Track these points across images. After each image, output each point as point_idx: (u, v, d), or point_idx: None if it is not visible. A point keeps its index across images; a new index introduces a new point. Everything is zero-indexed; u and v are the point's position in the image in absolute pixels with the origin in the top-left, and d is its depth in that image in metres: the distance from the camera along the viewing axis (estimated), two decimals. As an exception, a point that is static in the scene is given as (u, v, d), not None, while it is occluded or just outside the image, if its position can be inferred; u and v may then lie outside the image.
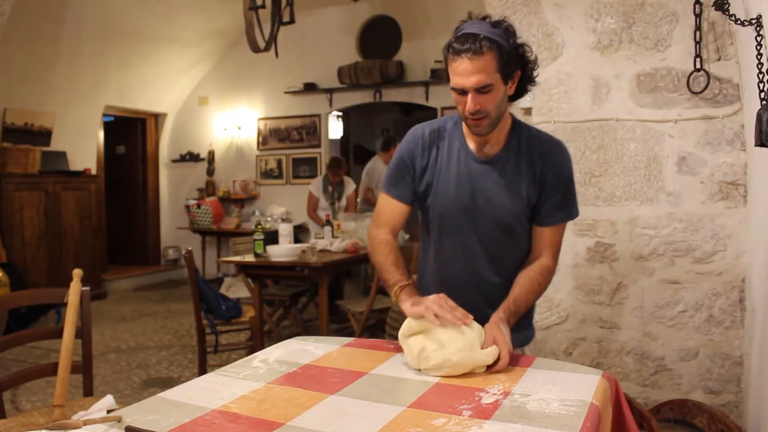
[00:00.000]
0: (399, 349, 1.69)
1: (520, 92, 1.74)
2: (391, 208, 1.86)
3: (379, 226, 1.87)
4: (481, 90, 1.59)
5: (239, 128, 8.36)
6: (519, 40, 1.66)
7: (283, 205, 8.05)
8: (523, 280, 1.73)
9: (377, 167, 6.51)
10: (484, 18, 1.64)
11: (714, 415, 2.53)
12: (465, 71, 1.59)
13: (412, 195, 1.85)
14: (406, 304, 1.63)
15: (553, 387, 1.41)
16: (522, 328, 1.86)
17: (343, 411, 1.31)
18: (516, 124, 1.78)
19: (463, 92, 1.62)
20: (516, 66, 1.65)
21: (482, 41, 1.56)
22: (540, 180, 1.73)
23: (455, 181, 1.77)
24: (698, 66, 2.67)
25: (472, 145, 1.77)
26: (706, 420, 2.54)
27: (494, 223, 1.76)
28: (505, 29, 1.62)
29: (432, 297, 1.61)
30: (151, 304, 7.05)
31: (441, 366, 1.50)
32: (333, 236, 5.16)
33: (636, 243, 2.86)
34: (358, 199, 6.56)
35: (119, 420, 1.24)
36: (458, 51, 1.58)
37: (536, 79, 1.76)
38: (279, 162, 8.20)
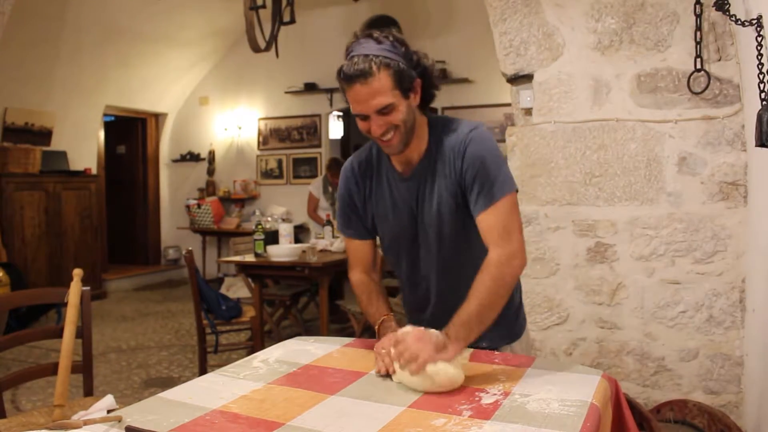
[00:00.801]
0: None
1: (427, 99, 1.68)
2: (354, 248, 1.86)
3: (351, 268, 1.88)
4: (382, 111, 1.54)
5: (240, 128, 8.36)
6: (411, 49, 1.60)
7: (283, 205, 8.05)
8: (473, 285, 1.57)
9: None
10: (369, 35, 1.56)
11: (714, 416, 2.53)
12: (361, 97, 1.52)
13: (365, 230, 1.82)
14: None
15: (553, 387, 1.41)
16: (505, 323, 1.76)
17: (343, 411, 1.31)
18: (433, 127, 1.70)
19: (365, 117, 1.56)
20: (413, 77, 1.58)
21: (371, 62, 1.50)
22: (459, 174, 1.63)
23: (390, 205, 1.74)
24: (699, 66, 2.67)
25: (397, 165, 1.72)
26: (706, 420, 2.54)
27: (436, 235, 1.70)
28: (391, 43, 1.55)
29: (383, 341, 1.58)
30: (151, 304, 7.05)
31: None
32: (333, 236, 5.16)
33: (636, 243, 2.86)
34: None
35: (119, 420, 1.24)
36: (350, 77, 1.51)
37: (438, 87, 1.70)
38: (279, 162, 8.20)
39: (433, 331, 1.51)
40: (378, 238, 1.87)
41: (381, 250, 1.92)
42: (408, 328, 1.56)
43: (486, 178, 1.59)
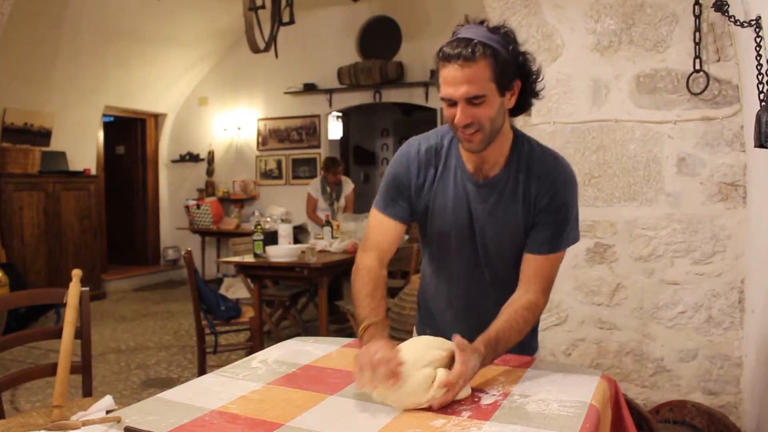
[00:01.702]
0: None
1: (522, 106, 1.58)
2: (383, 230, 1.69)
3: (366, 250, 1.69)
4: (472, 101, 1.44)
5: (239, 129, 8.36)
6: (521, 48, 1.51)
7: (282, 206, 8.05)
8: (508, 313, 1.52)
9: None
10: (482, 22, 1.49)
11: (713, 416, 2.53)
12: (454, 80, 1.43)
13: (408, 215, 1.70)
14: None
15: (552, 388, 1.41)
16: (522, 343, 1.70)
17: (342, 412, 1.31)
18: (518, 140, 1.62)
19: (453, 103, 1.46)
20: (514, 76, 1.49)
21: (475, 46, 1.41)
22: (535, 203, 1.57)
23: (452, 204, 1.64)
24: (698, 67, 2.67)
25: (469, 165, 1.62)
26: (705, 421, 2.54)
27: (493, 248, 1.64)
28: (503, 35, 1.47)
29: (367, 352, 1.37)
30: (150, 304, 7.05)
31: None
32: (332, 237, 5.16)
33: (635, 244, 2.86)
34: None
35: (118, 420, 1.24)
36: (448, 57, 1.43)
37: (540, 93, 1.59)
38: (279, 162, 8.20)
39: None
40: (419, 229, 1.76)
41: (421, 242, 1.81)
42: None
43: (562, 228, 1.58)
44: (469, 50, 1.41)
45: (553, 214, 1.56)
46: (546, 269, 1.59)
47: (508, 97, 1.51)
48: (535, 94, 1.58)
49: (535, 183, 1.57)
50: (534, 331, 1.83)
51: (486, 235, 1.63)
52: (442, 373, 1.33)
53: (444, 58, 1.44)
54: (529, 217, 1.59)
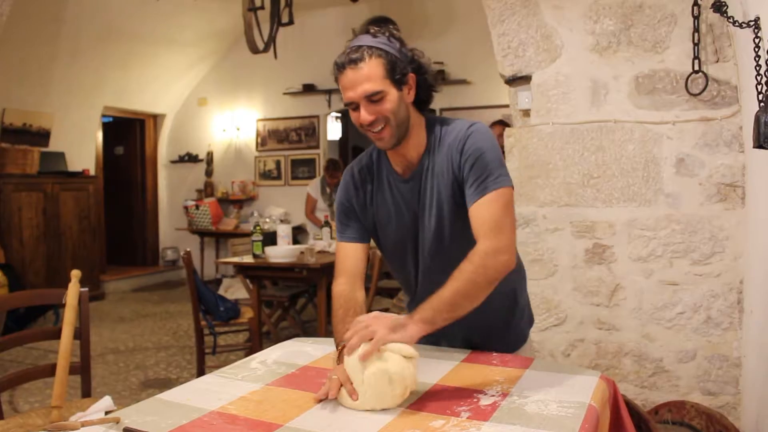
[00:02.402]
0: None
1: (424, 99, 1.67)
2: (344, 254, 1.77)
3: (336, 277, 1.75)
4: (371, 98, 1.53)
5: (238, 129, 8.36)
6: (408, 46, 1.62)
7: (281, 206, 8.05)
8: (454, 272, 1.51)
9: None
10: (367, 31, 1.60)
11: (712, 417, 2.53)
12: (351, 82, 1.53)
13: (363, 233, 1.78)
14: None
15: (551, 388, 1.41)
16: (495, 335, 1.80)
17: (341, 412, 1.32)
18: (431, 127, 1.69)
19: (356, 107, 1.56)
20: (406, 70, 1.58)
21: (363, 50, 1.53)
22: (458, 167, 1.60)
23: (393, 209, 1.72)
24: (696, 68, 2.67)
25: (398, 168, 1.71)
26: (704, 422, 2.54)
27: (440, 235, 1.67)
28: (388, 36, 1.58)
29: (338, 369, 1.43)
30: (149, 305, 7.05)
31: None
32: (331, 237, 5.16)
33: (634, 244, 2.86)
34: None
35: (117, 421, 1.24)
36: (342, 65, 1.55)
37: (437, 85, 1.69)
38: (278, 163, 8.20)
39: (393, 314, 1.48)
40: (377, 246, 1.84)
41: (383, 255, 1.88)
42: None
43: (483, 169, 1.56)
44: (359, 54, 1.53)
45: (470, 162, 1.58)
46: (486, 214, 1.54)
47: (406, 91, 1.60)
48: (432, 85, 1.67)
49: (448, 150, 1.63)
50: (508, 324, 1.85)
51: (426, 224, 1.68)
52: (393, 362, 1.36)
53: (339, 67, 1.56)
54: (454, 183, 1.62)
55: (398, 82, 1.56)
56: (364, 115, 1.55)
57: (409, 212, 1.70)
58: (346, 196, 1.79)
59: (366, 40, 1.56)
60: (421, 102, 1.67)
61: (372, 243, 1.85)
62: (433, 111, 7.24)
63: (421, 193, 1.68)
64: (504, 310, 1.82)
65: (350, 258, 1.76)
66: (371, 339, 1.38)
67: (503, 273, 1.53)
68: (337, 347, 1.53)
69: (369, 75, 1.52)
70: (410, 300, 1.87)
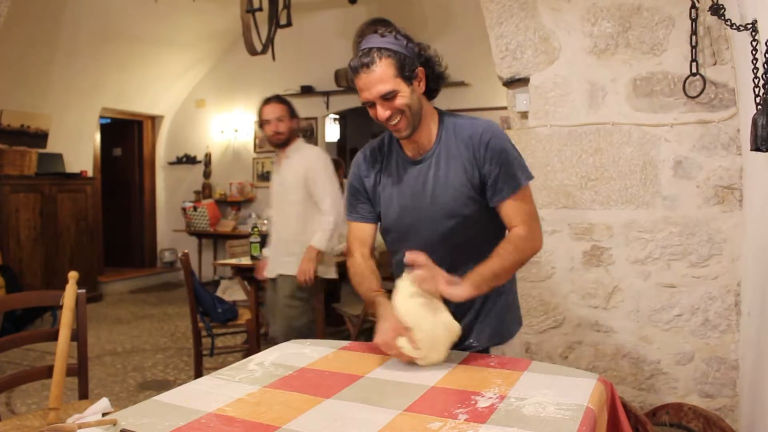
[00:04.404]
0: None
1: (435, 88, 1.82)
2: (353, 232, 1.95)
3: (350, 253, 1.96)
4: (386, 97, 1.68)
5: (236, 131, 8.35)
6: (415, 41, 1.74)
7: (279, 208, 8.03)
8: (497, 249, 1.74)
9: None
10: (375, 31, 1.72)
11: (709, 419, 2.53)
12: (366, 85, 1.68)
13: (371, 213, 1.93)
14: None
15: (548, 391, 1.42)
16: (493, 320, 1.88)
17: (338, 415, 1.31)
18: (443, 119, 1.84)
19: (372, 104, 1.71)
20: (415, 65, 1.71)
21: (373, 53, 1.66)
22: (477, 159, 1.75)
23: (397, 189, 1.85)
24: (694, 70, 2.68)
25: (408, 152, 1.84)
26: (701, 424, 2.55)
27: (443, 216, 1.78)
28: (394, 36, 1.70)
29: (383, 330, 1.66)
30: (147, 306, 7.04)
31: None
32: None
33: (632, 247, 2.86)
34: None
35: (114, 423, 1.24)
36: (355, 68, 1.68)
37: (444, 75, 1.83)
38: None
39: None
40: (381, 225, 1.95)
41: (384, 236, 1.98)
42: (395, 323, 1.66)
43: (509, 168, 1.74)
44: (370, 57, 1.66)
45: (496, 160, 1.74)
46: (519, 207, 1.76)
47: (416, 84, 1.74)
48: (440, 74, 1.82)
49: (470, 143, 1.76)
50: (506, 310, 1.94)
51: (432, 206, 1.79)
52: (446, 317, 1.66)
53: (353, 71, 1.70)
54: (476, 174, 1.76)
55: (408, 78, 1.70)
56: (381, 112, 1.70)
57: (411, 192, 1.82)
58: (356, 177, 1.94)
59: (375, 41, 1.69)
60: (433, 90, 1.82)
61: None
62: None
63: (432, 174, 1.79)
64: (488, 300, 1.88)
65: (358, 235, 1.94)
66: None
67: (532, 256, 1.80)
68: (368, 307, 1.81)
69: (381, 76, 1.66)
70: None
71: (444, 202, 1.77)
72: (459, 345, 1.75)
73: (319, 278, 3.61)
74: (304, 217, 3.52)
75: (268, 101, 3.58)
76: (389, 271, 2.02)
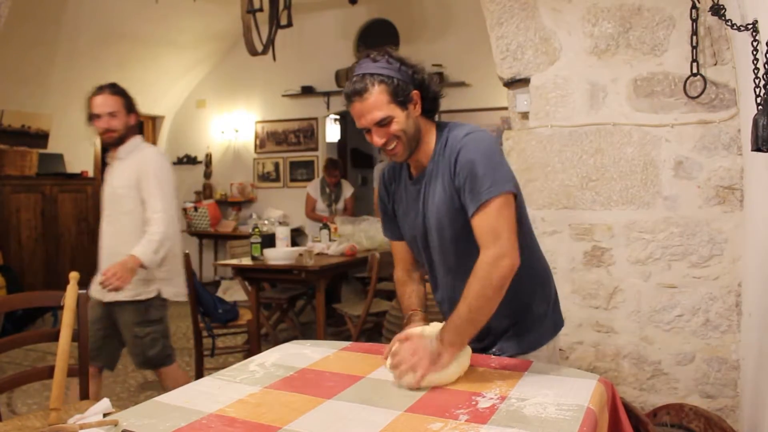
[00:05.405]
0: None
1: (431, 109, 1.77)
2: (394, 248, 2.01)
3: (395, 267, 2.04)
4: (381, 124, 1.65)
5: (237, 131, 8.35)
6: (408, 62, 1.70)
7: (280, 208, 8.04)
8: (464, 289, 1.61)
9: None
10: (367, 55, 1.69)
11: (710, 420, 2.53)
12: (361, 113, 1.65)
13: (398, 231, 1.95)
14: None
15: (549, 391, 1.42)
16: (515, 333, 1.83)
17: (339, 415, 1.32)
18: (441, 133, 1.76)
19: (368, 130, 1.69)
20: (409, 88, 1.68)
21: (366, 79, 1.63)
22: (451, 173, 1.68)
23: (405, 208, 1.86)
24: (695, 71, 2.68)
25: (413, 170, 1.84)
26: (702, 424, 2.55)
27: (438, 237, 1.76)
28: (386, 60, 1.67)
29: (397, 352, 1.60)
30: (147, 307, 7.02)
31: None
32: (330, 239, 5.16)
33: (632, 247, 2.86)
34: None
35: (115, 424, 1.24)
36: (349, 96, 1.66)
37: (440, 95, 1.78)
38: (276, 165, 8.20)
39: (428, 337, 1.59)
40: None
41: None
42: (404, 333, 1.65)
43: (474, 182, 1.62)
44: (363, 84, 1.63)
45: (463, 174, 1.65)
46: (483, 224, 1.61)
47: (411, 108, 1.70)
48: (436, 94, 1.77)
49: (452, 161, 1.69)
50: (552, 306, 1.94)
51: (430, 224, 1.77)
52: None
53: (347, 98, 1.68)
54: (453, 189, 1.69)
55: (403, 103, 1.67)
56: (376, 139, 1.69)
57: (416, 212, 1.81)
58: (380, 197, 1.98)
59: (367, 66, 1.66)
60: (429, 111, 1.77)
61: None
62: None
63: (423, 194, 1.78)
64: (506, 316, 1.80)
65: (398, 251, 1.99)
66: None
67: (509, 276, 1.59)
68: (404, 318, 1.91)
69: (375, 104, 1.64)
70: (434, 290, 1.96)
71: (436, 219, 1.73)
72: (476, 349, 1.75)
73: (162, 299, 3.22)
74: (142, 231, 2.96)
75: (100, 90, 3.07)
76: (389, 271, 2.05)
